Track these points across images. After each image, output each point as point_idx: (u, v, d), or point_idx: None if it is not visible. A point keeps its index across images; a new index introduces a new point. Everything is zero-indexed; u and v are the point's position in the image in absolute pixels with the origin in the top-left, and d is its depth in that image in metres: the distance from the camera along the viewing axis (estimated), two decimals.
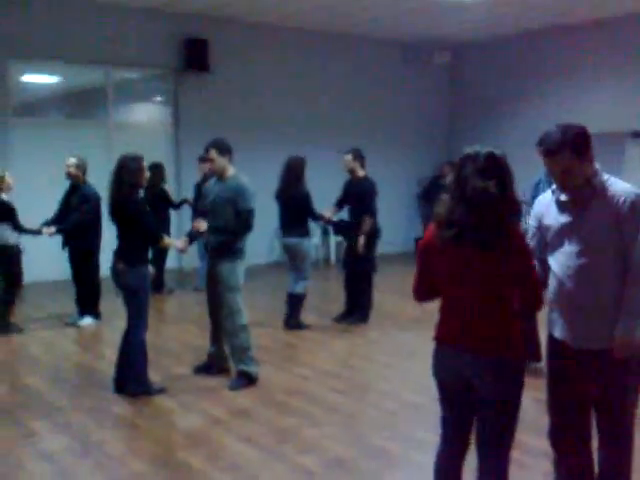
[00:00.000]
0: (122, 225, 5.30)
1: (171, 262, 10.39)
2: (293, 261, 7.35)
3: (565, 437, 3.33)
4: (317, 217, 7.52)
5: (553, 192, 3.21)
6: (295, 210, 7.23)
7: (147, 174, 5.45)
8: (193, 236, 5.78)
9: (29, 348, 6.91)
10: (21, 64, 10.50)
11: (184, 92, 11.37)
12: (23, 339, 7.19)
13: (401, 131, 13.54)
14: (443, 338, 3.01)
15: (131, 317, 5.34)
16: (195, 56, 11.09)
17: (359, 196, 7.49)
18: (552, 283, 3.20)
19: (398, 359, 6.43)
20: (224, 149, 5.52)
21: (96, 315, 7.79)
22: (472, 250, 2.81)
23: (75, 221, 7.38)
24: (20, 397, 5.43)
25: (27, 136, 10.34)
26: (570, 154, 2.98)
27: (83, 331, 7.55)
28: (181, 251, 5.90)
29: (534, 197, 5.45)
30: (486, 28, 12.34)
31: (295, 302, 7.42)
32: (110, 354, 6.33)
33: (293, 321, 7.43)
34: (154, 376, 5.60)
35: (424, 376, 5.74)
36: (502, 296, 2.86)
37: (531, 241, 3.34)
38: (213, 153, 5.50)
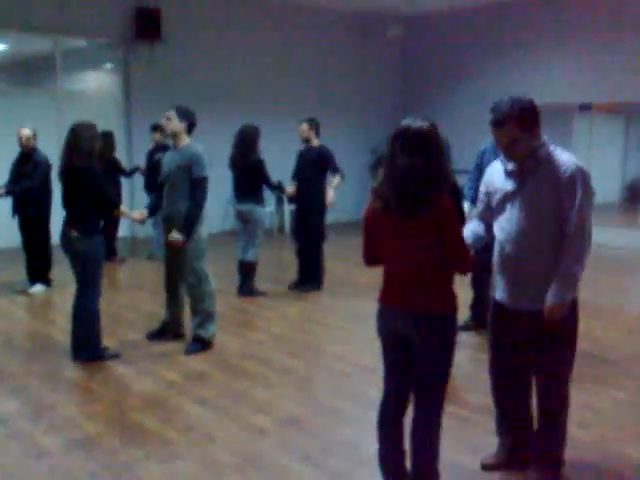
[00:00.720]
0: (75, 192, 5.24)
1: (123, 230, 10.32)
2: (246, 228, 7.38)
3: (506, 394, 3.48)
4: (274, 186, 7.54)
5: (502, 161, 3.31)
6: (249, 177, 7.25)
7: (100, 142, 5.41)
8: (152, 210, 5.80)
9: None
10: None
11: (135, 61, 11.20)
12: None
13: (354, 102, 13.58)
14: (383, 300, 3.19)
15: (84, 285, 5.31)
16: (147, 25, 10.92)
17: (316, 163, 7.53)
18: (495, 248, 3.33)
19: (351, 323, 6.54)
20: (184, 114, 5.49)
21: (47, 282, 7.72)
22: (399, 219, 2.98)
23: (26, 186, 7.29)
24: None
25: None
26: (516, 126, 3.09)
27: (34, 298, 7.47)
28: (140, 222, 5.85)
29: (478, 165, 5.59)
30: (441, 1, 12.41)
31: (247, 269, 7.46)
32: (62, 321, 6.32)
33: (246, 288, 7.47)
34: (108, 342, 5.60)
35: (376, 340, 5.90)
36: (431, 259, 3.01)
37: (478, 206, 3.47)
38: (172, 113, 5.49)
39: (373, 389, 4.77)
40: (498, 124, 3.13)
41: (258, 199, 7.30)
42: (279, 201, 12.29)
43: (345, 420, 4.34)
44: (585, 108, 11.95)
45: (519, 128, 3.09)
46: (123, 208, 5.59)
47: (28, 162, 7.39)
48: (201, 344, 5.61)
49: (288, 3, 12.39)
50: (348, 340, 6.03)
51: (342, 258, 9.15)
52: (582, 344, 5.35)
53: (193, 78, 11.55)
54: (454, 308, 3.10)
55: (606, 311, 6.94)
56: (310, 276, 7.79)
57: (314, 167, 7.54)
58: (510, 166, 3.24)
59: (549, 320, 3.16)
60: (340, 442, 4.01)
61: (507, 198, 3.25)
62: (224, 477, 3.61)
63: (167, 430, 4.15)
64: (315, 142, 7.58)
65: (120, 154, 10.01)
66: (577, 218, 3.09)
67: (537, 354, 3.32)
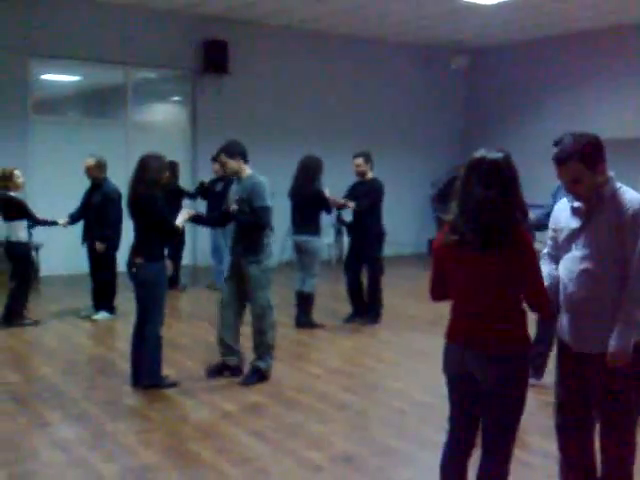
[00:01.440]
0: (141, 221, 5.40)
1: (185, 259, 10.50)
2: (303, 259, 7.42)
3: (569, 437, 3.38)
4: (329, 207, 7.52)
5: (568, 199, 3.26)
6: (308, 208, 7.31)
7: (167, 174, 5.57)
8: (198, 217, 6.02)
9: (44, 340, 7.03)
10: (41, 63, 10.67)
11: (202, 93, 11.49)
12: (38, 331, 7.31)
13: (416, 134, 13.59)
14: (450, 336, 3.10)
15: (148, 311, 5.43)
16: (214, 58, 11.21)
17: (367, 194, 7.55)
18: (561, 287, 3.26)
19: (408, 359, 6.47)
20: (234, 152, 5.59)
21: (111, 309, 7.90)
22: (474, 253, 2.90)
23: (101, 232, 7.59)
24: (35, 387, 5.53)
25: (46, 134, 10.50)
26: (578, 164, 3.02)
27: (98, 325, 7.66)
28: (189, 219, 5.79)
29: (554, 202, 5.46)
30: (505, 33, 12.38)
31: (304, 301, 7.48)
32: (123, 347, 6.43)
33: (304, 319, 7.49)
34: (167, 370, 5.68)
35: (434, 377, 5.79)
36: (507, 296, 2.93)
37: (547, 244, 3.41)
38: (223, 157, 5.61)
39: (429, 428, 4.71)
40: (561, 161, 3.07)
41: (315, 230, 7.35)
42: (338, 232, 12.32)
43: (400, 460, 4.28)
44: None
45: (583, 165, 3.03)
46: (178, 223, 5.55)
47: (97, 191, 7.63)
48: (259, 376, 5.63)
49: (353, 35, 12.54)
50: (404, 376, 5.97)
51: (401, 291, 9.09)
52: None
53: (258, 110, 11.77)
54: (526, 349, 3.00)
55: None
56: (368, 309, 7.76)
57: (366, 197, 7.54)
58: (576, 204, 3.18)
59: (612, 366, 3.07)
60: None
61: (572, 236, 3.18)
62: None
63: (222, 462, 4.16)
64: (370, 175, 7.61)
65: (185, 184, 10.21)
66: (638, 260, 3.01)
67: (602, 398, 3.21)
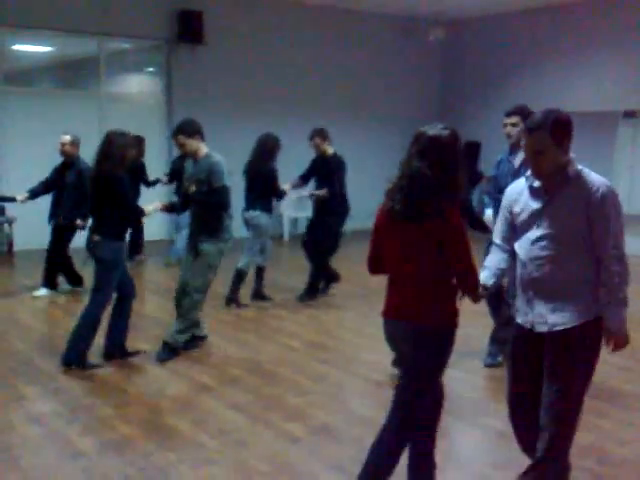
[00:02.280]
0: (103, 199, 5.24)
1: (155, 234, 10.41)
2: (249, 235, 7.36)
3: (518, 412, 3.38)
4: (280, 194, 7.45)
5: (527, 179, 3.23)
6: (259, 185, 7.18)
7: (133, 151, 5.45)
8: (172, 207, 5.89)
9: (18, 314, 6.97)
10: (13, 33, 10.44)
11: (177, 64, 11.33)
12: (12, 305, 7.24)
13: (393, 106, 13.52)
14: (385, 313, 3.23)
15: (96, 290, 5.31)
16: (189, 28, 11.03)
17: (326, 173, 7.47)
18: (517, 269, 3.24)
19: None
20: (191, 131, 5.47)
21: (54, 287, 7.80)
22: (402, 223, 2.99)
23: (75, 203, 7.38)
24: (10, 362, 5.48)
25: (18, 105, 10.31)
26: (546, 135, 3.02)
27: (72, 299, 7.58)
28: (161, 210, 5.78)
29: (495, 175, 5.47)
30: (483, 5, 12.31)
31: (237, 278, 7.36)
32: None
33: (230, 296, 7.36)
34: (143, 343, 5.68)
35: None
36: (430, 269, 3.01)
37: (499, 227, 3.37)
38: (181, 138, 5.47)
39: None
40: (530, 130, 3.08)
41: (264, 206, 7.25)
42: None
43: (377, 430, 4.31)
44: (629, 115, 11.75)
45: (550, 137, 3.03)
46: (147, 208, 5.52)
47: (71, 169, 7.44)
48: (172, 351, 5.58)
49: (332, 5, 12.41)
50: (381, 349, 5.97)
51: None
52: (625, 360, 5.28)
53: (234, 81, 11.64)
54: (450, 324, 3.07)
55: None
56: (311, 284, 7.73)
57: (326, 176, 7.47)
58: (536, 183, 3.16)
59: (615, 350, 3.08)
60: None
61: (533, 216, 3.15)
62: None
63: (200, 434, 4.18)
64: (329, 150, 7.53)
65: (161, 156, 10.12)
66: (612, 242, 3.01)
67: (551, 375, 3.18)
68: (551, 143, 3.03)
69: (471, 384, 5.18)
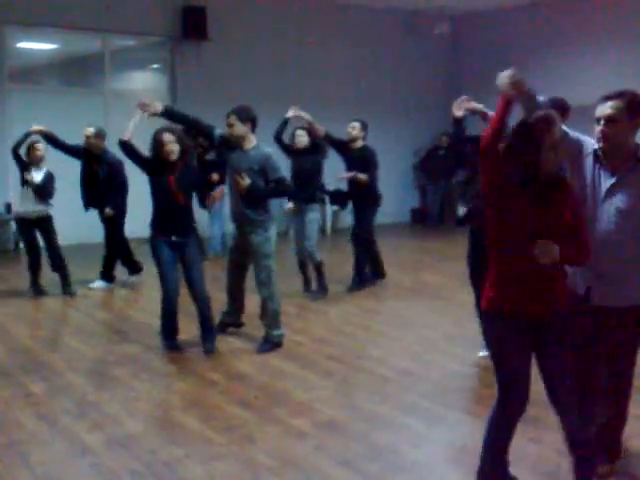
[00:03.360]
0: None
1: None
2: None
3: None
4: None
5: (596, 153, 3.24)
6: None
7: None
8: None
9: (27, 311, 7.00)
10: (17, 30, 10.47)
11: (182, 60, 11.34)
12: (21, 302, 7.27)
13: (399, 101, 13.52)
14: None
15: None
16: (193, 24, 11.04)
17: (366, 163, 7.58)
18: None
19: (391, 327, 6.51)
20: (245, 116, 5.47)
21: (111, 278, 7.96)
22: None
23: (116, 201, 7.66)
24: (19, 359, 5.51)
25: (23, 102, 10.33)
26: (622, 105, 3.11)
27: (79, 295, 7.61)
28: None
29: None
30: None
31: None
32: (107, 317, 6.46)
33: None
34: (151, 340, 5.70)
35: (416, 344, 5.89)
36: None
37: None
38: (233, 119, 5.44)
39: (412, 394, 4.77)
40: (609, 97, 3.15)
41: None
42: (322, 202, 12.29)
43: (384, 425, 4.33)
44: None
45: (626, 108, 3.11)
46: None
47: (100, 163, 7.54)
48: (273, 344, 5.73)
49: (333, 1, 12.39)
50: (388, 344, 6.01)
51: (384, 260, 9.10)
52: None
53: (238, 77, 11.64)
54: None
55: None
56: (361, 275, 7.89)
57: (364, 168, 7.56)
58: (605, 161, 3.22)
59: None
60: (379, 447, 3.99)
61: (605, 192, 3.20)
62: (262, 479, 3.63)
63: (207, 430, 4.19)
64: (360, 143, 7.61)
65: None
66: None
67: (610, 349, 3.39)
68: (625, 115, 3.11)
69: None
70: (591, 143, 3.30)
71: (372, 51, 13.11)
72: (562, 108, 4.82)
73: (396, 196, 13.38)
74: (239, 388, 4.89)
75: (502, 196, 2.93)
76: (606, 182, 3.20)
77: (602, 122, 3.15)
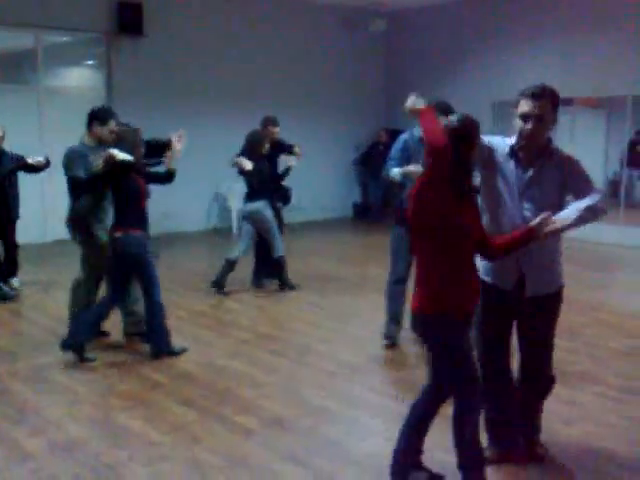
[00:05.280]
0: None
1: None
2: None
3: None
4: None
5: (511, 149, 3.38)
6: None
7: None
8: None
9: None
10: None
11: (117, 56, 11.10)
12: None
13: (338, 98, 13.53)
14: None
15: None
16: (128, 19, 10.83)
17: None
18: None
19: (336, 322, 6.53)
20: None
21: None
22: None
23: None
24: None
25: None
26: (548, 103, 3.24)
27: (19, 298, 7.39)
28: None
29: (402, 156, 5.48)
30: None
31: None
32: (46, 321, 6.29)
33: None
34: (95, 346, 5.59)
35: (361, 338, 5.92)
36: None
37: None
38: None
39: (358, 387, 4.80)
40: (536, 96, 3.23)
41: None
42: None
43: (331, 419, 4.34)
44: (567, 103, 11.97)
45: (550, 106, 3.24)
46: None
47: (2, 163, 7.25)
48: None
49: None
50: (332, 338, 6.03)
51: (327, 255, 9.15)
52: (566, 341, 5.41)
53: (174, 73, 11.47)
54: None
55: (588, 307, 6.98)
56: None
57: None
58: (520, 153, 3.35)
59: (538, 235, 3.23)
60: (327, 442, 4.01)
61: (521, 185, 3.35)
62: (209, 478, 3.60)
63: (152, 431, 4.13)
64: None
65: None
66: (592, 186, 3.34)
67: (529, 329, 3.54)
68: (550, 113, 3.24)
69: None
70: (503, 142, 3.42)
71: (310, 48, 13.08)
72: (445, 111, 4.99)
73: (338, 191, 13.45)
74: (183, 388, 4.83)
75: (445, 201, 3.04)
76: (523, 176, 3.35)
77: (530, 120, 3.24)
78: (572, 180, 3.33)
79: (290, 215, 10.23)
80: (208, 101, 11.61)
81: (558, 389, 3.62)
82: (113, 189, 5.27)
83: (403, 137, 5.54)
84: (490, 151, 3.38)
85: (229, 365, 5.31)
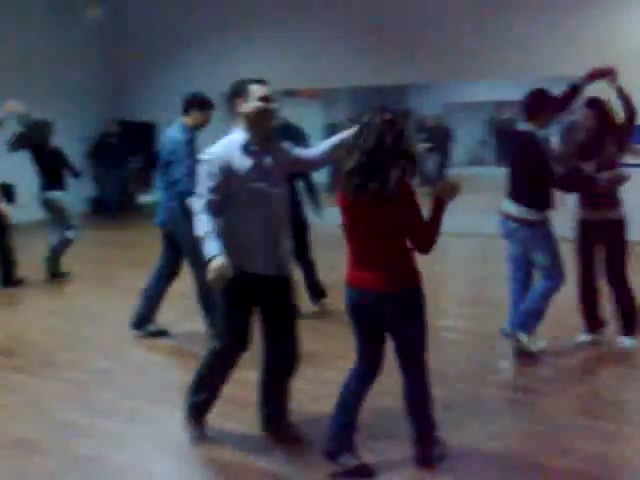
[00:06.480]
0: None
1: None
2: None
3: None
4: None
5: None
6: None
7: None
8: None
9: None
10: None
11: None
12: None
13: (58, 88, 12.79)
14: (350, 282, 3.45)
15: None
16: None
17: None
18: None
19: (82, 326, 6.27)
20: None
21: None
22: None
23: None
24: None
25: None
26: None
27: None
28: None
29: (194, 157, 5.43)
30: None
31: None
32: None
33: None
34: None
35: (110, 341, 5.71)
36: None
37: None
38: None
39: (111, 393, 4.68)
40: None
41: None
42: None
43: (81, 433, 4.16)
44: (290, 94, 12.47)
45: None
46: None
47: None
48: None
49: None
50: (80, 345, 5.77)
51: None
52: (316, 322, 5.66)
53: None
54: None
55: None
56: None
57: None
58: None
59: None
60: (78, 458, 3.85)
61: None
62: None
63: None
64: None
65: None
66: None
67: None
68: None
69: None
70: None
71: (22, 31, 12.18)
72: (201, 103, 5.05)
73: (71, 186, 12.77)
74: None
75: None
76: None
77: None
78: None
79: (18, 215, 9.56)
80: None
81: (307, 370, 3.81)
82: None
83: (186, 137, 5.30)
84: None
85: None
